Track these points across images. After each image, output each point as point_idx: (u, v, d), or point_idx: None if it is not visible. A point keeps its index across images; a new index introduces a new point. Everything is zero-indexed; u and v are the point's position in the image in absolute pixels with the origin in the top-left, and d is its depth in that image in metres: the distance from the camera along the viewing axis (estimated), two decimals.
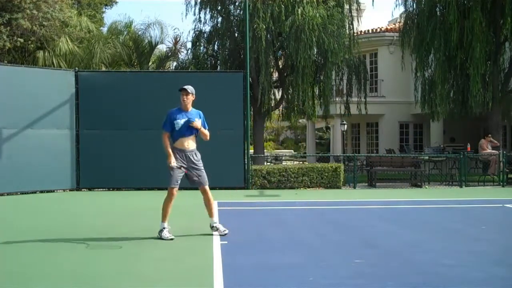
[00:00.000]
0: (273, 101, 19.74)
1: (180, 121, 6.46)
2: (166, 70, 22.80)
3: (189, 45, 21.48)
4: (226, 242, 6.15)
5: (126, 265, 5.20)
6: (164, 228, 6.44)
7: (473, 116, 17.65)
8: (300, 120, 28.63)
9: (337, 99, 21.63)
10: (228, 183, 13.27)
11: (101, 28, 25.40)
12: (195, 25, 19.97)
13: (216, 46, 20.44)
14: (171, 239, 6.34)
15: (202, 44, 20.27)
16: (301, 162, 22.78)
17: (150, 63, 23.64)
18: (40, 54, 20.42)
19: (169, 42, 24.52)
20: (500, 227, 7.72)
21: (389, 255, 5.59)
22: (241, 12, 18.75)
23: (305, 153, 31.46)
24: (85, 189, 13.03)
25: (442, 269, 4.89)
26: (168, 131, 6.52)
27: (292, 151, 35.79)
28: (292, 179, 13.57)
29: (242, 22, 17.19)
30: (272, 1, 17.29)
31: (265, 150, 24.02)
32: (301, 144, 40.27)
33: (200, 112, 6.70)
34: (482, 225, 7.82)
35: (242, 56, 18.30)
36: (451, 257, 5.40)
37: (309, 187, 13.57)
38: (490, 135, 15.98)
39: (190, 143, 6.64)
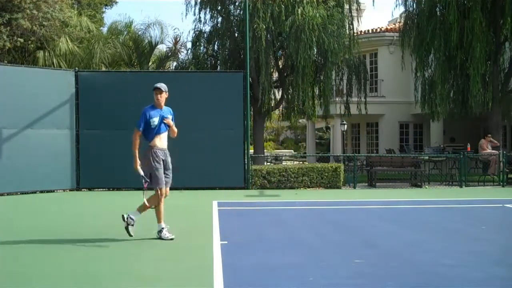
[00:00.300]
0: (273, 101, 19.73)
1: (156, 119, 6.32)
2: (166, 70, 22.79)
3: (189, 45, 21.52)
4: (226, 242, 6.15)
5: (126, 265, 5.20)
6: (162, 228, 6.38)
7: (473, 116, 17.65)
8: (300, 120, 28.62)
9: (337, 99, 21.63)
10: (228, 183, 13.29)
11: (101, 28, 25.40)
12: (195, 25, 20.00)
13: (216, 46, 20.44)
14: (172, 238, 6.31)
15: (202, 44, 20.27)
16: (301, 162, 22.78)
17: (150, 63, 23.63)
18: (40, 54, 20.42)
19: (169, 42, 24.54)
20: (500, 227, 7.72)
21: (389, 255, 5.59)
22: (241, 12, 18.75)
23: (305, 153, 31.46)
24: (85, 189, 13.03)
25: (442, 269, 4.89)
26: (140, 130, 6.30)
27: (292, 151, 35.80)
28: (292, 179, 13.57)
29: (242, 22, 17.19)
30: (272, 1, 17.29)
31: (265, 150, 24.02)
32: (301, 144, 40.27)
33: (171, 109, 6.62)
34: (482, 225, 7.82)
35: (242, 56, 18.30)
36: (451, 257, 5.40)
37: (309, 187, 13.57)
38: (490, 135, 15.98)
39: (165, 141, 6.56)
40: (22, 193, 12.21)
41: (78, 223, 7.85)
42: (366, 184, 14.91)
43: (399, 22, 22.24)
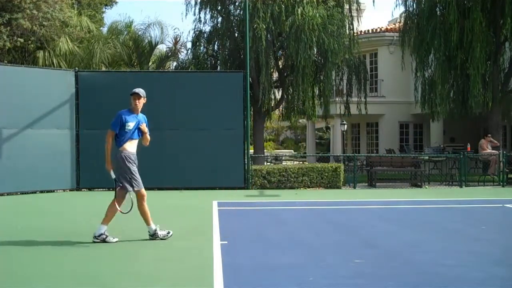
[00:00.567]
0: (273, 101, 19.73)
1: (132, 124, 6.23)
2: (166, 70, 22.79)
3: (189, 45, 21.53)
4: (226, 242, 6.15)
5: (126, 265, 5.20)
6: (155, 231, 6.31)
7: (473, 116, 17.65)
8: (300, 120, 28.62)
9: (337, 99, 21.63)
10: (228, 183, 13.29)
11: (101, 28, 25.40)
12: (195, 25, 20.01)
13: (216, 46, 20.45)
14: (168, 233, 6.35)
15: (202, 44, 20.27)
16: (301, 162, 22.77)
17: (150, 63, 23.64)
18: (40, 54, 20.42)
19: (169, 42, 24.55)
20: (500, 227, 7.72)
21: (389, 255, 5.59)
22: (241, 12, 18.75)
23: (305, 153, 31.46)
24: (85, 189, 13.03)
25: (442, 269, 4.89)
26: (115, 131, 6.18)
27: (292, 151, 35.80)
28: (292, 179, 13.57)
29: (242, 22, 17.19)
30: (272, 1, 17.28)
31: (265, 150, 24.01)
32: (301, 144, 40.27)
33: (145, 117, 6.54)
34: (482, 225, 7.83)
35: (242, 56, 18.30)
36: (451, 257, 5.40)
37: (309, 187, 13.57)
38: (490, 135, 15.97)
39: (135, 147, 6.41)
40: (22, 193, 12.20)
41: (78, 223, 7.85)
42: (366, 184, 14.91)
43: (399, 22, 22.23)
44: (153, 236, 6.33)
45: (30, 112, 12.32)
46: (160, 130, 13.22)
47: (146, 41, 23.15)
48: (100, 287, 4.44)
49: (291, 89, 19.02)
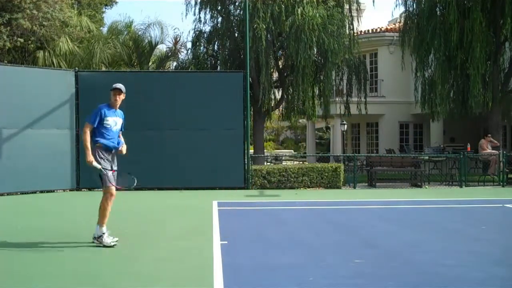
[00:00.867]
0: (273, 101, 19.73)
1: (110, 119, 6.10)
2: (166, 70, 22.79)
3: (189, 45, 21.53)
4: (226, 242, 6.15)
5: (126, 265, 5.20)
6: (103, 233, 5.95)
7: (473, 116, 17.65)
8: (300, 120, 28.62)
9: (337, 99, 21.63)
10: (228, 183, 13.29)
11: (101, 28, 25.41)
12: (195, 25, 20.01)
13: (216, 46, 20.45)
14: (115, 244, 5.91)
15: (202, 44, 20.27)
16: (301, 162, 22.78)
17: (150, 63, 23.64)
18: (40, 54, 20.42)
19: (169, 42, 24.55)
20: (500, 227, 7.72)
21: (389, 255, 5.59)
22: (241, 12, 18.75)
23: (305, 153, 31.46)
24: (85, 189, 13.02)
25: (442, 269, 4.89)
26: (93, 125, 6.02)
27: (292, 151, 35.80)
28: (292, 179, 13.57)
29: (242, 22, 17.19)
30: (272, 1, 17.28)
31: (265, 150, 24.01)
32: (301, 144, 40.27)
33: (123, 112, 6.40)
34: (482, 225, 7.83)
35: (242, 56, 18.30)
36: (451, 257, 5.40)
37: (309, 187, 13.57)
38: (490, 135, 15.98)
39: (113, 143, 6.24)
40: (22, 193, 12.20)
41: (78, 223, 7.85)
42: (366, 184, 14.91)
43: (399, 22, 22.24)
44: (97, 239, 5.97)
45: (30, 112, 12.32)
46: (160, 130, 13.25)
47: (146, 41, 23.15)
48: (100, 287, 4.44)
49: (291, 89, 19.02)
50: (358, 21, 20.16)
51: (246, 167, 13.43)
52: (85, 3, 24.83)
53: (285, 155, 25.48)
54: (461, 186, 14.21)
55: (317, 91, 19.41)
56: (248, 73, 14.46)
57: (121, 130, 6.34)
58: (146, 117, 13.20)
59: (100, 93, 13.00)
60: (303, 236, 6.77)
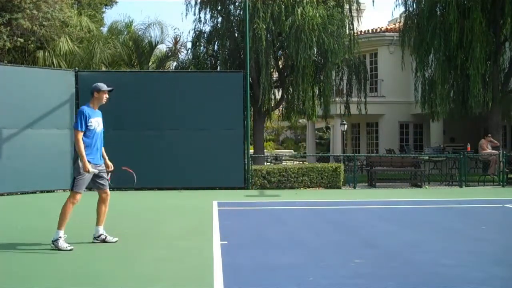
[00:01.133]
0: (273, 101, 19.73)
1: (94, 121, 6.05)
2: (166, 70, 22.79)
3: (189, 45, 21.52)
4: (226, 242, 6.15)
5: (126, 265, 5.20)
6: (60, 237, 5.78)
7: (473, 116, 17.65)
8: (300, 120, 28.61)
9: (337, 99, 21.63)
10: (228, 183, 13.29)
11: (101, 28, 25.40)
12: (195, 25, 20.01)
13: (216, 46, 20.44)
14: (71, 249, 5.74)
15: (202, 44, 20.27)
16: (301, 162, 22.77)
17: (150, 63, 23.64)
18: (40, 54, 20.42)
19: (169, 42, 24.56)
20: (500, 227, 7.72)
21: (389, 255, 5.59)
22: (241, 12, 18.75)
23: (305, 153, 31.46)
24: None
25: (442, 269, 4.89)
26: (83, 130, 5.92)
27: (292, 151, 35.79)
28: (292, 179, 13.57)
29: (242, 22, 17.19)
30: (272, 1, 17.28)
31: (265, 150, 24.01)
32: (301, 144, 40.27)
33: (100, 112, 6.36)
34: (482, 225, 7.82)
35: (242, 56, 18.30)
36: (451, 257, 5.40)
37: (309, 187, 13.57)
38: (490, 135, 15.97)
39: (98, 148, 6.23)
40: (22, 193, 12.20)
41: (78, 223, 7.84)
42: (366, 184, 14.91)
43: (399, 22, 22.24)
44: (54, 243, 5.80)
45: (30, 112, 12.32)
46: (160, 130, 13.25)
47: (146, 41, 23.16)
48: (100, 287, 4.44)
49: (291, 89, 19.02)
50: (358, 21, 20.16)
51: (246, 167, 13.43)
52: (85, 3, 24.83)
53: (285, 155, 25.48)
54: (461, 186, 14.20)
55: (317, 91, 19.41)
56: (248, 73, 14.46)
57: (101, 134, 6.25)
58: (146, 117, 13.21)
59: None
60: (303, 236, 6.77)
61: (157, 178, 13.12)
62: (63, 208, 5.94)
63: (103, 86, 6.32)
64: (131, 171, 6.44)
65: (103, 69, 20.78)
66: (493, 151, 15.35)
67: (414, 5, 18.20)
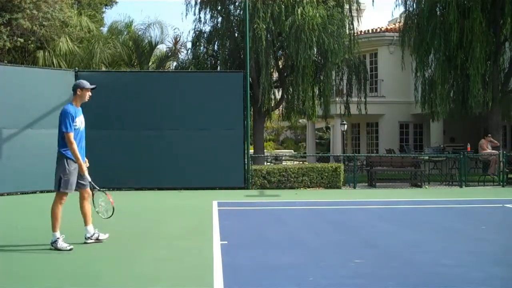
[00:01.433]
0: (273, 101, 19.73)
1: (78, 119, 6.01)
2: (166, 70, 22.79)
3: (189, 45, 21.53)
4: (226, 242, 6.15)
5: (126, 265, 5.20)
6: (58, 238, 5.80)
7: (473, 116, 17.65)
8: (300, 120, 28.61)
9: (337, 99, 21.64)
10: (228, 183, 13.29)
11: (101, 28, 25.41)
12: (195, 25, 20.02)
13: (216, 46, 20.45)
14: (71, 249, 5.74)
15: (202, 44, 20.27)
16: (301, 162, 22.78)
17: (150, 63, 23.64)
18: (40, 54, 20.42)
19: (169, 42, 24.56)
20: (500, 227, 7.72)
21: (389, 255, 5.59)
22: (241, 12, 18.75)
23: (305, 153, 31.46)
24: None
25: (442, 269, 4.89)
26: (72, 131, 5.87)
27: (292, 151, 35.79)
28: (292, 179, 13.57)
29: (242, 22, 17.19)
30: (272, 1, 17.28)
31: (265, 150, 24.01)
32: (301, 144, 40.26)
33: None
34: (482, 225, 7.82)
35: (242, 56, 18.30)
36: (451, 257, 5.40)
37: (309, 187, 13.57)
38: (490, 135, 15.97)
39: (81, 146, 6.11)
40: (22, 193, 12.20)
41: (78, 223, 7.83)
42: (366, 184, 14.90)
43: (399, 22, 22.24)
44: (53, 244, 5.80)
45: (30, 112, 12.31)
46: (160, 130, 13.24)
47: (146, 41, 23.16)
48: (100, 287, 4.44)
49: (291, 89, 19.02)
50: (358, 21, 20.16)
51: (246, 167, 13.43)
52: (85, 3, 24.83)
53: (285, 155, 25.48)
54: (461, 186, 14.20)
55: (317, 91, 19.41)
56: (248, 73, 14.46)
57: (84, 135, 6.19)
58: (146, 117, 13.21)
59: (100, 93, 13.07)
60: (303, 236, 6.77)
61: (157, 178, 13.12)
62: (52, 211, 5.87)
63: (86, 84, 6.26)
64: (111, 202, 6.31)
65: (103, 69, 20.78)
66: (493, 151, 15.35)
67: (414, 5, 18.20)
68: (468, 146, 16.90)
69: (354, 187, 13.97)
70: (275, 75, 20.63)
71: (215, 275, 4.66)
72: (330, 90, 19.21)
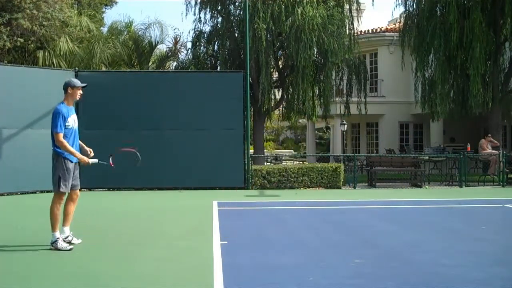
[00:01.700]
0: (273, 101, 19.73)
1: (71, 119, 5.98)
2: (166, 70, 22.79)
3: (189, 45, 21.51)
4: (226, 242, 6.15)
5: (126, 265, 5.20)
6: (58, 238, 5.79)
7: (473, 116, 17.65)
8: (300, 120, 28.61)
9: (337, 99, 21.62)
10: (228, 183, 13.29)
11: (101, 28, 25.39)
12: (195, 25, 20.00)
13: (216, 46, 20.44)
14: (71, 249, 5.76)
15: (202, 44, 20.27)
16: (301, 162, 22.77)
17: (150, 63, 23.64)
18: (40, 54, 20.41)
19: (169, 42, 24.53)
20: (500, 227, 7.72)
21: (389, 255, 5.59)
22: (241, 12, 18.75)
23: (305, 153, 31.46)
24: (85, 189, 12.99)
25: (442, 269, 4.89)
26: (63, 132, 5.84)
27: (292, 151, 35.78)
28: (292, 179, 13.57)
29: (242, 22, 17.19)
30: (272, 1, 17.28)
31: (265, 150, 24.01)
32: (301, 144, 40.26)
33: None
34: (482, 225, 7.83)
35: (242, 56, 18.30)
36: (451, 257, 5.40)
37: (309, 187, 13.57)
38: (490, 135, 15.98)
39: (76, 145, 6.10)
40: (22, 193, 12.21)
41: (78, 223, 7.84)
42: (366, 184, 14.91)
43: (399, 22, 22.24)
44: (52, 245, 5.79)
45: (30, 112, 12.31)
46: (160, 130, 13.25)
47: (146, 41, 23.15)
48: (100, 287, 4.44)
49: (291, 89, 19.02)
50: (358, 21, 20.15)
51: (246, 167, 13.43)
52: (85, 3, 24.83)
53: (285, 155, 25.48)
54: (461, 186, 14.20)
55: (317, 91, 19.41)
56: (248, 73, 14.47)
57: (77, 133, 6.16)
58: (146, 117, 13.21)
59: (100, 93, 13.18)
60: (303, 236, 6.77)
61: (157, 178, 13.12)
62: (51, 211, 5.86)
63: (77, 82, 6.24)
64: (132, 150, 6.31)
65: (103, 69, 20.78)
66: (493, 151, 15.36)
67: (414, 5, 18.20)
68: (468, 146, 16.90)
69: (354, 187, 13.97)
70: (275, 75, 20.63)
71: (215, 275, 4.66)
72: (330, 90, 19.20)
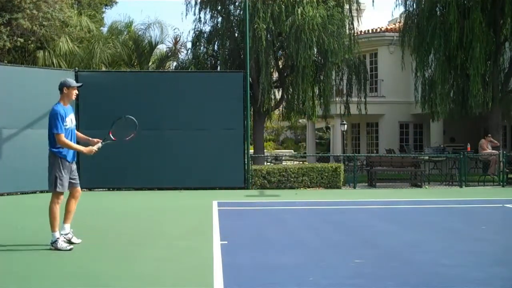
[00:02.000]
0: (273, 101, 19.73)
1: (68, 118, 5.94)
2: (166, 70, 22.79)
3: (189, 45, 21.52)
4: (226, 242, 6.15)
5: (126, 265, 5.20)
6: (58, 238, 5.79)
7: (473, 116, 17.65)
8: (300, 120, 28.60)
9: (337, 99, 21.62)
10: (228, 183, 13.29)
11: (101, 28, 25.40)
12: (195, 25, 20.01)
13: (216, 46, 20.45)
14: (71, 249, 5.77)
15: (202, 44, 20.27)
16: (301, 162, 22.77)
17: (150, 63, 23.64)
18: (40, 54, 20.41)
19: (169, 42, 24.54)
20: (500, 227, 7.72)
21: (389, 255, 5.59)
22: (241, 12, 18.75)
23: (305, 153, 31.46)
24: (85, 189, 12.96)
25: (442, 269, 4.89)
26: (63, 132, 5.83)
27: (292, 151, 35.78)
28: (292, 179, 13.57)
29: (242, 22, 17.19)
30: (272, 1, 17.29)
31: (265, 150, 24.01)
32: (301, 144, 40.26)
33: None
34: (482, 225, 7.83)
35: (242, 56, 18.30)
36: (451, 257, 5.40)
37: (309, 187, 13.57)
38: (490, 135, 15.98)
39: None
40: (22, 193, 12.21)
41: (78, 223, 7.83)
42: (366, 184, 14.90)
43: (399, 22, 22.24)
44: (52, 245, 5.80)
45: (30, 112, 12.31)
46: (160, 130, 13.24)
47: (146, 41, 23.16)
48: (100, 287, 4.44)
49: (291, 89, 19.02)
50: (358, 21, 20.15)
51: (246, 167, 13.43)
52: (85, 3, 24.83)
53: (285, 155, 25.47)
54: (461, 186, 14.20)
55: (317, 91, 19.41)
56: (248, 73, 14.47)
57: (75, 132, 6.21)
58: (146, 117, 13.15)
59: (100, 93, 13.19)
60: (303, 236, 6.77)
61: (157, 178, 13.12)
62: (50, 211, 5.87)
63: (73, 82, 6.18)
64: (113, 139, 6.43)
65: (103, 69, 20.78)
66: (493, 151, 15.36)
67: (414, 5, 18.20)
68: (468, 146, 16.90)
69: (354, 187, 13.97)
70: (275, 75, 20.63)
71: (215, 275, 4.66)
72: (330, 90, 19.21)
